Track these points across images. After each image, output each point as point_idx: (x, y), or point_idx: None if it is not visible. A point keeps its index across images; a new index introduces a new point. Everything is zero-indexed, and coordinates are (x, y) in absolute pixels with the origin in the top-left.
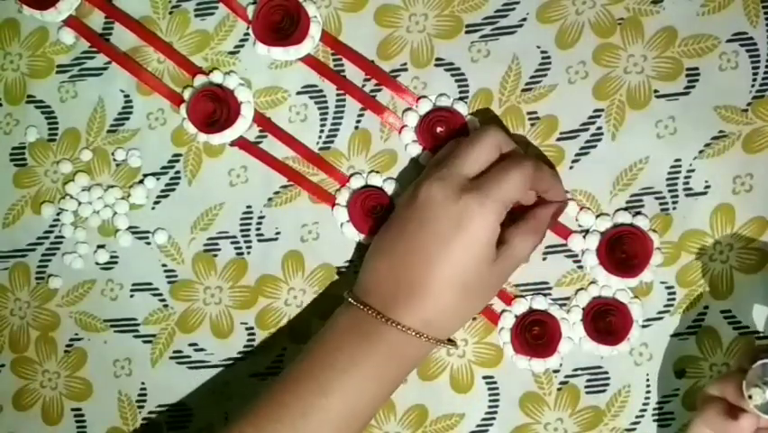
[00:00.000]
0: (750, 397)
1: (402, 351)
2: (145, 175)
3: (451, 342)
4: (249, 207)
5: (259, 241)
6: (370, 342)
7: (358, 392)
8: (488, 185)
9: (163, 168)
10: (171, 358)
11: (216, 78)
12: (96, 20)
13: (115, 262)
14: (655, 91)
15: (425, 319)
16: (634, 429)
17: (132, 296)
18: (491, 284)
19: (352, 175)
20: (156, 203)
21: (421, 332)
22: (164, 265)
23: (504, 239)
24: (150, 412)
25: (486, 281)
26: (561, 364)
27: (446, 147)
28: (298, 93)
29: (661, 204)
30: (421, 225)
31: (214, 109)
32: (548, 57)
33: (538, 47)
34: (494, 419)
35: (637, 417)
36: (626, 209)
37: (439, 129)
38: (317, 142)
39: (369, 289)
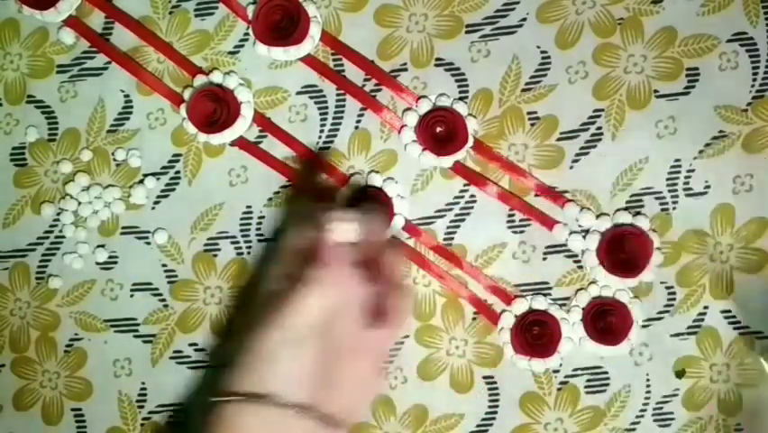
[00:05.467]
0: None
1: None
2: (145, 175)
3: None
4: (249, 207)
5: (259, 241)
6: None
7: None
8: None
9: (163, 168)
10: (171, 358)
11: (216, 78)
12: (96, 20)
13: (115, 262)
14: (655, 91)
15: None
16: (634, 429)
17: (132, 296)
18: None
19: (351, 175)
20: (156, 203)
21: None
22: (164, 265)
23: None
24: (150, 412)
25: None
26: (561, 364)
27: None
28: (298, 93)
29: (661, 204)
30: None
31: (215, 109)
32: (548, 57)
33: (538, 47)
34: (494, 419)
35: (637, 417)
36: (626, 209)
37: (439, 129)
38: (317, 142)
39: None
